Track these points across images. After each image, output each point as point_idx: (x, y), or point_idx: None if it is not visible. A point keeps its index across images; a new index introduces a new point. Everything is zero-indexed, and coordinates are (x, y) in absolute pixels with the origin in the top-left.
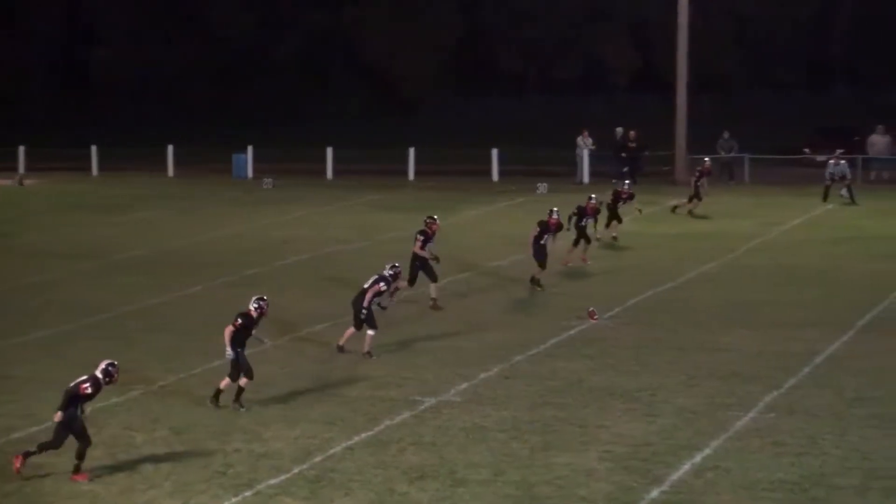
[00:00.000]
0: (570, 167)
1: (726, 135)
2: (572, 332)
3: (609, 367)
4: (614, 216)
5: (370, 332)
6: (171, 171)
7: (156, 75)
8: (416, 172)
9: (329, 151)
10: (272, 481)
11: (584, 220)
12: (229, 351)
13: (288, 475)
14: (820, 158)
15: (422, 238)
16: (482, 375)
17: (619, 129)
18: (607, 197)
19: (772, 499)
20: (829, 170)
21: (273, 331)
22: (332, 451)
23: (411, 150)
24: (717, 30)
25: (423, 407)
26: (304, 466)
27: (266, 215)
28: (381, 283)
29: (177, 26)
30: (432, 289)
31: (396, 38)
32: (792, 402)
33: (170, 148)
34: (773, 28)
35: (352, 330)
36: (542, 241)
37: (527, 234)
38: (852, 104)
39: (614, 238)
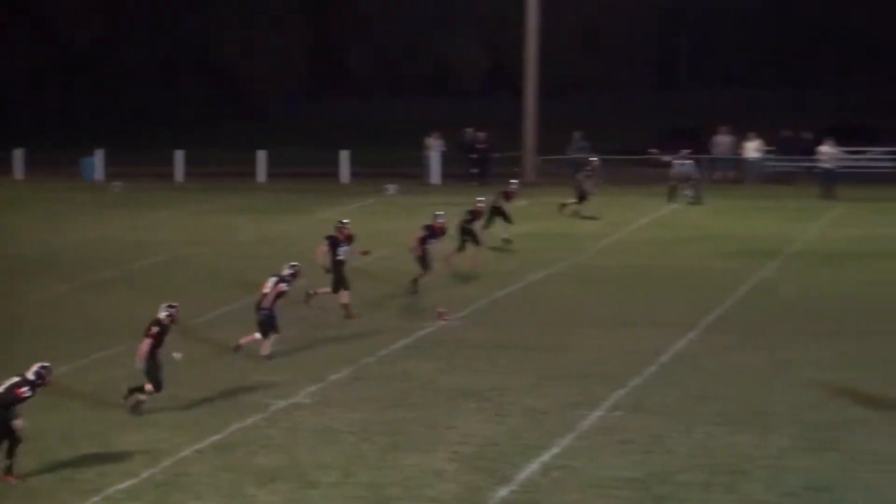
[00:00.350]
0: (419, 168)
1: (578, 135)
2: (422, 332)
3: (459, 367)
4: (502, 216)
5: (272, 335)
6: (19, 174)
7: (2, 78)
8: (268, 175)
9: (180, 154)
10: (120, 486)
11: (473, 223)
12: (140, 364)
13: (136, 480)
14: (666, 158)
15: (327, 243)
16: (332, 377)
17: (469, 131)
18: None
19: (618, 496)
20: (675, 170)
21: (126, 334)
22: (181, 455)
23: (262, 153)
24: (567, 32)
25: (273, 409)
26: (154, 471)
27: (117, 219)
28: (283, 284)
29: (24, 28)
30: (344, 295)
31: (246, 41)
32: (638, 401)
33: (18, 151)
34: (622, 30)
35: (257, 336)
36: (426, 245)
37: (377, 234)
38: (697, 105)
39: (505, 240)
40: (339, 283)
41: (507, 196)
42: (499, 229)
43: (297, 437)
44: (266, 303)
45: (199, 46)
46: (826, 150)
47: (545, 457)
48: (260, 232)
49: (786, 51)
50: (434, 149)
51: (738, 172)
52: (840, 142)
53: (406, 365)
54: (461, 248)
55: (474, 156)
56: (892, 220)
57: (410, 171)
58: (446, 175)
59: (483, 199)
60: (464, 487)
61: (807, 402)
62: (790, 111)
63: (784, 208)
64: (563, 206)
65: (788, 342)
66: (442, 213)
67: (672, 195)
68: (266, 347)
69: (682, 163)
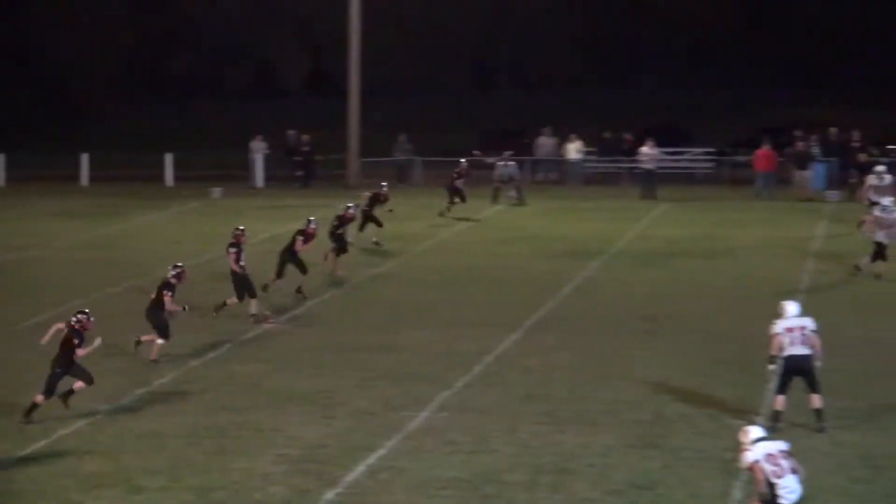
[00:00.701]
0: (243, 172)
1: (403, 138)
2: (248, 335)
3: (285, 370)
4: (372, 220)
5: (159, 340)
6: None
7: None
8: (91, 178)
9: (1, 158)
10: None
11: (342, 228)
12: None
13: None
14: (489, 160)
15: (234, 251)
16: (158, 381)
17: (292, 133)
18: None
19: (445, 497)
20: (499, 171)
21: None
22: (5, 462)
23: (84, 156)
24: (389, 35)
25: (99, 415)
26: None
27: None
28: (167, 291)
29: None
30: (253, 304)
31: (68, 43)
32: (464, 401)
33: None
34: (443, 32)
35: (161, 341)
36: (296, 249)
37: (203, 237)
38: (520, 106)
39: (377, 243)
40: (245, 290)
41: (377, 200)
42: (369, 233)
43: (124, 442)
44: (168, 308)
45: (19, 47)
46: (646, 150)
47: (372, 458)
48: (82, 236)
49: (605, 52)
50: (258, 152)
51: (560, 174)
52: (660, 143)
53: (232, 368)
54: (338, 250)
55: (298, 158)
56: (711, 219)
57: (235, 174)
58: (271, 178)
59: (352, 204)
60: (291, 490)
61: (630, 400)
62: (611, 112)
63: (606, 209)
64: (447, 210)
65: (610, 341)
66: (313, 218)
67: (496, 197)
68: (154, 352)
69: (505, 164)
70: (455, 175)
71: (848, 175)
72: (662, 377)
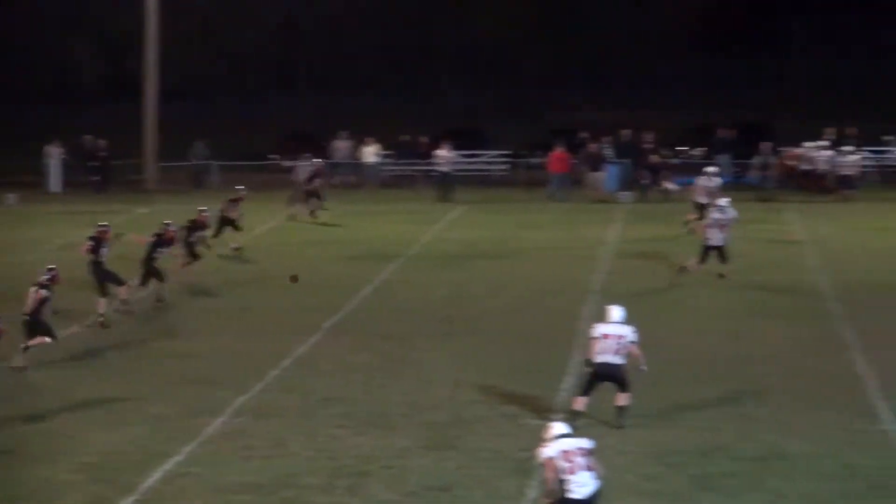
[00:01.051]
0: (39, 177)
1: (200, 144)
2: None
3: (84, 376)
4: (231, 224)
5: (44, 339)
6: None
7: None
8: None
9: None
10: None
11: (195, 234)
12: None
13: None
14: (287, 164)
15: (91, 243)
16: None
17: (88, 138)
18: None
19: (242, 501)
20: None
21: None
22: None
23: None
24: (189, 37)
25: None
26: None
27: None
28: (42, 290)
29: None
30: (102, 304)
31: None
32: (260, 406)
33: None
34: (243, 34)
35: (47, 340)
36: (154, 254)
37: None
38: (317, 109)
39: (237, 249)
40: (107, 283)
41: (235, 203)
42: (225, 238)
43: None
44: (26, 309)
45: None
46: (442, 153)
47: (169, 464)
48: None
49: (403, 55)
50: (54, 157)
51: (358, 177)
52: (456, 145)
53: (31, 375)
54: (196, 257)
55: (95, 163)
56: (507, 221)
57: (30, 180)
58: (67, 183)
59: (206, 208)
60: (89, 498)
61: (427, 402)
62: (409, 116)
63: (403, 211)
64: (313, 212)
65: (408, 343)
66: (171, 221)
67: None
68: (20, 360)
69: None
70: (311, 174)
71: (640, 176)
72: (460, 378)
